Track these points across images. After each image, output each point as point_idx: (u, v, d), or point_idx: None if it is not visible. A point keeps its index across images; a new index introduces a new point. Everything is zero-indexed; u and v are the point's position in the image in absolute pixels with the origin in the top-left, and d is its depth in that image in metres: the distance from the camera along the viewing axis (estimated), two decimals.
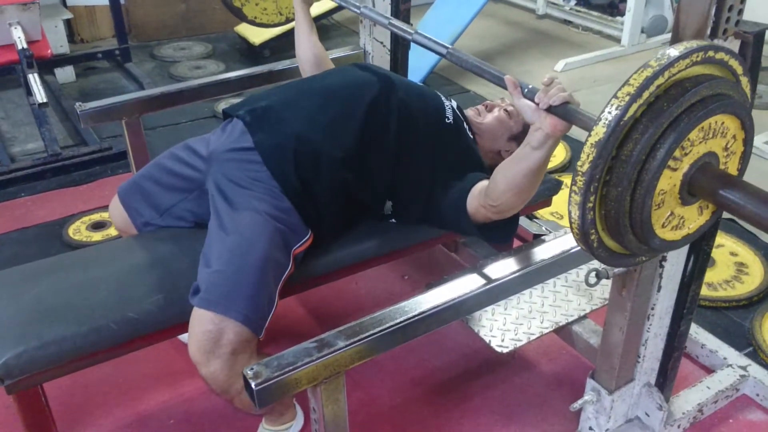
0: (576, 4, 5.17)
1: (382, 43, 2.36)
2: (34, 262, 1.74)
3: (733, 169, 1.12)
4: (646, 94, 0.96)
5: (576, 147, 3.22)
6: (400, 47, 2.30)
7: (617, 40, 4.69)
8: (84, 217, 2.76)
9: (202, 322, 1.47)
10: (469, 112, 1.90)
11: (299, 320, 2.25)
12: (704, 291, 2.29)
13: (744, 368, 1.96)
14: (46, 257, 1.78)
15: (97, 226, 2.70)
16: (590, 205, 1.01)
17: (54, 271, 1.67)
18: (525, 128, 1.66)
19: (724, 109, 1.02)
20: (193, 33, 4.87)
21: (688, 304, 1.58)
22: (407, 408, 1.94)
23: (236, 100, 1.95)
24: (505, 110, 1.89)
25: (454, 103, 1.87)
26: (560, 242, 1.63)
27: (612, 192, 1.01)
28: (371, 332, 1.31)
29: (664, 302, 1.56)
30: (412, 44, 2.30)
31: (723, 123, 1.04)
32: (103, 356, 1.55)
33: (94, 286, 1.61)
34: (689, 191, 1.07)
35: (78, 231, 2.68)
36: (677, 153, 1.00)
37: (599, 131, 0.96)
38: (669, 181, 1.04)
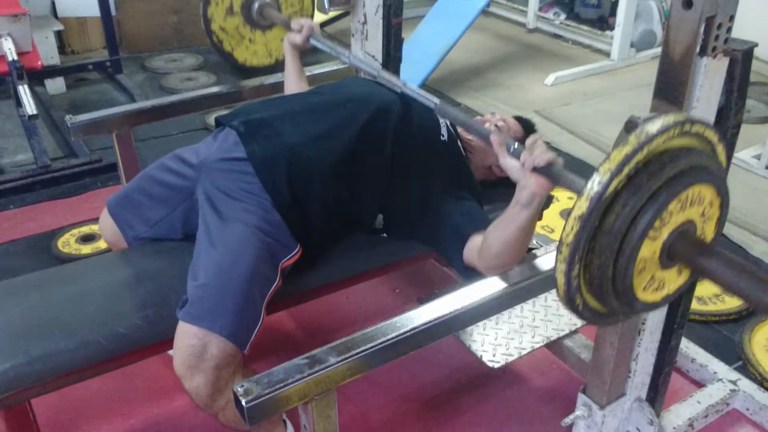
0: (566, 19, 5.20)
1: (373, 56, 2.36)
2: (22, 276, 1.73)
3: (710, 232, 1.17)
4: (626, 170, 1.00)
5: (567, 160, 3.22)
6: (391, 62, 2.31)
7: (607, 54, 4.72)
8: (73, 229, 2.74)
9: (186, 336, 1.46)
10: (461, 129, 1.91)
11: (290, 335, 2.24)
12: (694, 305, 2.30)
13: (734, 382, 1.96)
14: (34, 270, 1.77)
15: (87, 238, 2.69)
16: (575, 273, 1.05)
17: (42, 286, 1.66)
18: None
19: (701, 180, 1.07)
20: (184, 45, 4.87)
21: (679, 319, 1.59)
22: (399, 423, 1.93)
23: (229, 111, 1.95)
24: (496, 126, 1.89)
25: (448, 120, 1.88)
26: (551, 257, 1.63)
27: (596, 261, 1.05)
28: (363, 348, 1.30)
29: (654, 317, 1.56)
30: (403, 58, 2.33)
31: (700, 192, 1.09)
32: (91, 372, 1.54)
33: (82, 301, 1.59)
34: (668, 257, 1.11)
35: (67, 244, 2.66)
36: (656, 224, 1.04)
37: (582, 205, 1.01)
38: (649, 249, 1.08)
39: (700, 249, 1.09)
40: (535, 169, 1.32)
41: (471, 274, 1.62)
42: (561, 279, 1.06)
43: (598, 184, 1.00)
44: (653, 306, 1.17)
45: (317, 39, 2.09)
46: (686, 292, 1.39)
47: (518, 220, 1.41)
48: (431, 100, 1.64)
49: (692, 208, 1.10)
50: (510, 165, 1.38)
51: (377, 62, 2.32)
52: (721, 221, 1.17)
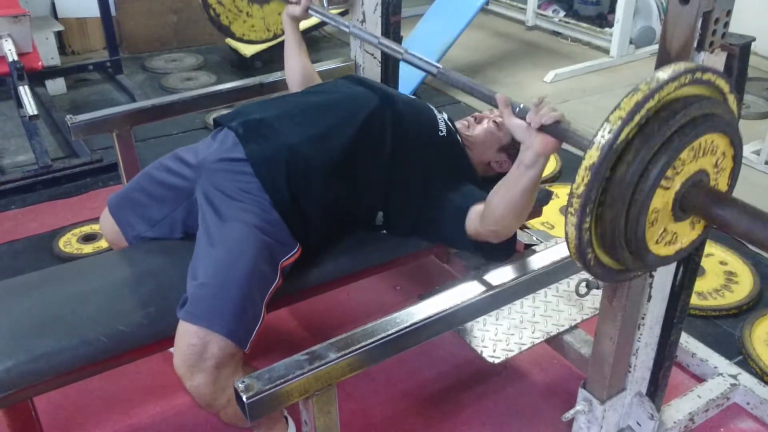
0: (565, 16, 5.21)
1: (372, 55, 2.37)
2: (24, 275, 1.74)
3: (723, 184, 1.15)
4: (637, 118, 0.98)
5: (566, 157, 3.23)
6: (390, 59, 2.32)
7: (606, 51, 4.72)
8: (75, 229, 2.75)
9: (186, 335, 1.47)
10: (459, 125, 1.91)
11: (291, 332, 2.24)
12: (694, 300, 2.31)
13: (734, 377, 1.97)
14: (36, 270, 1.77)
15: (88, 238, 2.70)
16: (586, 225, 1.03)
17: (44, 285, 1.67)
18: (514, 139, 1.68)
19: (714, 129, 1.05)
20: (184, 45, 4.88)
21: (678, 314, 1.59)
22: (399, 419, 1.94)
23: (228, 111, 1.96)
24: (494, 121, 1.90)
25: (446, 116, 1.88)
26: (551, 252, 1.64)
27: (607, 212, 1.03)
28: (363, 344, 1.31)
29: (654, 312, 1.57)
30: None
31: (713, 141, 1.07)
32: (93, 370, 1.54)
33: (84, 300, 1.60)
34: (681, 208, 1.09)
35: (68, 243, 2.67)
36: (669, 173, 1.03)
37: (593, 155, 0.99)
38: (662, 200, 1.06)
39: (715, 198, 1.07)
40: (542, 128, 1.30)
41: (478, 247, 1.62)
42: (572, 232, 1.04)
43: (609, 133, 0.98)
44: (666, 260, 1.15)
45: (316, 9, 2.08)
46: (698, 247, 1.34)
47: (522, 181, 1.40)
48: (433, 66, 1.62)
49: (705, 157, 1.07)
50: (515, 125, 1.36)
51: (377, 62, 2.33)
52: (734, 174, 1.15)
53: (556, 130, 1.29)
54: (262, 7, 2.36)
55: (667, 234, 1.12)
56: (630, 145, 1.00)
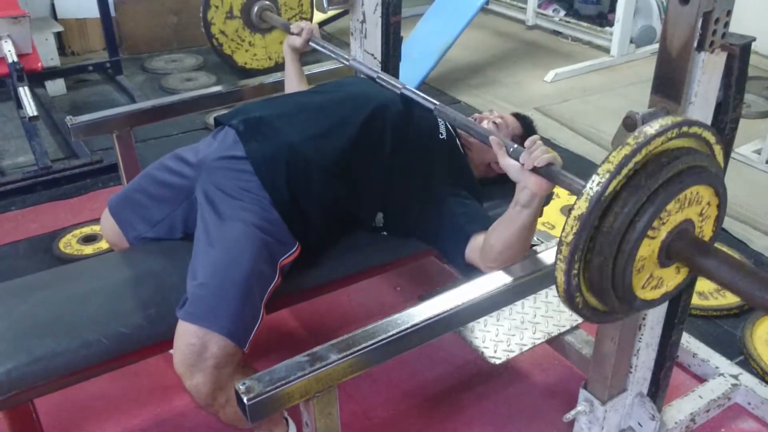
0: (565, 15, 5.21)
1: (372, 55, 2.36)
2: (25, 276, 1.74)
3: (708, 231, 1.18)
4: (624, 171, 1.01)
5: (567, 157, 3.23)
6: (390, 60, 2.31)
7: (606, 51, 4.72)
8: (75, 230, 2.75)
9: (186, 335, 1.47)
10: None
11: (291, 333, 2.24)
12: (695, 300, 2.30)
13: (735, 377, 1.96)
14: (36, 271, 1.77)
15: (88, 239, 2.69)
16: (575, 271, 1.06)
17: (44, 286, 1.67)
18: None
19: (699, 181, 1.08)
20: (184, 45, 4.87)
21: (679, 314, 1.59)
22: (400, 420, 1.94)
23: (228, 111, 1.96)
24: (494, 123, 1.90)
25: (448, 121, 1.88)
26: (552, 253, 1.63)
27: (595, 260, 1.07)
28: (364, 345, 1.31)
29: (655, 312, 1.56)
30: (402, 56, 2.33)
31: (698, 192, 1.11)
32: (94, 371, 1.54)
33: (84, 301, 1.60)
34: (667, 256, 1.12)
35: (69, 244, 2.67)
36: (655, 223, 1.06)
37: (582, 205, 1.02)
38: (648, 248, 1.09)
39: (698, 248, 1.10)
40: (535, 170, 1.34)
41: (471, 271, 1.62)
42: (561, 278, 1.08)
43: (597, 185, 1.02)
44: (652, 303, 1.19)
45: (317, 42, 2.10)
46: (685, 289, 1.40)
47: (519, 220, 1.43)
48: (431, 102, 1.66)
49: (690, 207, 1.11)
50: (509, 165, 1.40)
51: (377, 63, 2.33)
52: (719, 220, 1.19)
53: (548, 172, 1.34)
54: (264, 37, 2.37)
55: (653, 279, 1.16)
56: (618, 197, 1.03)
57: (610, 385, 1.61)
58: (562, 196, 2.91)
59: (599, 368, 1.61)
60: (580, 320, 1.93)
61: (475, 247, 1.59)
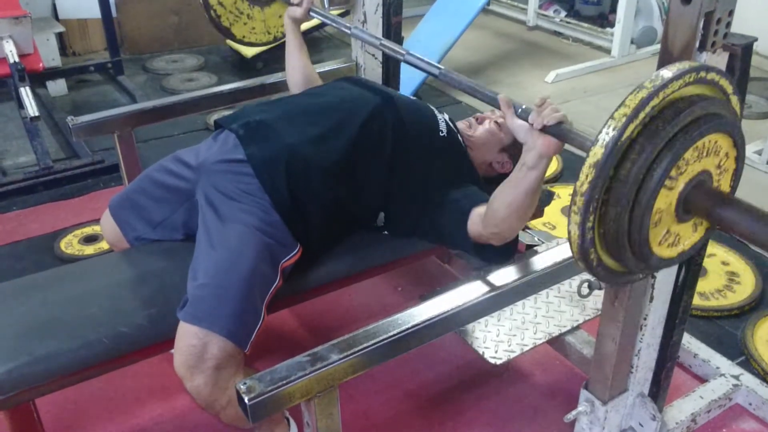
0: (566, 16, 5.21)
1: (373, 56, 2.37)
2: (26, 276, 1.74)
3: (726, 185, 1.15)
4: (642, 115, 0.98)
5: (567, 157, 3.23)
6: (392, 60, 2.32)
7: (607, 51, 4.72)
8: (76, 230, 2.75)
9: (186, 336, 1.47)
10: (461, 125, 1.91)
11: (293, 333, 2.24)
12: (696, 301, 2.30)
13: (737, 377, 1.96)
14: (37, 271, 1.77)
15: (90, 239, 2.69)
16: (590, 224, 1.02)
17: (45, 286, 1.67)
18: (515, 139, 1.69)
19: (717, 129, 1.04)
20: (185, 45, 4.88)
21: (681, 314, 1.59)
22: (401, 420, 1.94)
23: (229, 113, 1.96)
24: (496, 122, 1.90)
25: (446, 116, 1.88)
26: (553, 253, 1.64)
27: (611, 211, 1.03)
28: (365, 345, 1.31)
29: (656, 312, 1.56)
30: None
31: (716, 142, 1.07)
32: (95, 371, 1.54)
33: (85, 301, 1.60)
34: (685, 209, 1.09)
35: (70, 244, 2.67)
36: (673, 173, 1.02)
37: (597, 152, 0.98)
38: (665, 200, 1.06)
39: (718, 199, 1.06)
40: (544, 129, 1.30)
41: (478, 250, 1.62)
42: (575, 231, 1.03)
43: (613, 129, 0.97)
44: (669, 262, 1.14)
45: (317, 11, 2.08)
46: (702, 248, 1.35)
47: (525, 182, 1.40)
48: (435, 67, 1.62)
49: (708, 158, 1.07)
50: (517, 126, 1.36)
51: (378, 63, 2.33)
52: (737, 175, 1.14)
53: (558, 131, 1.28)
54: (263, 10, 2.36)
55: (670, 235, 1.11)
56: (634, 143, 0.99)
57: (611, 386, 1.61)
58: (563, 197, 2.91)
59: (600, 368, 1.61)
60: (581, 320, 1.93)
61: (477, 218, 1.58)
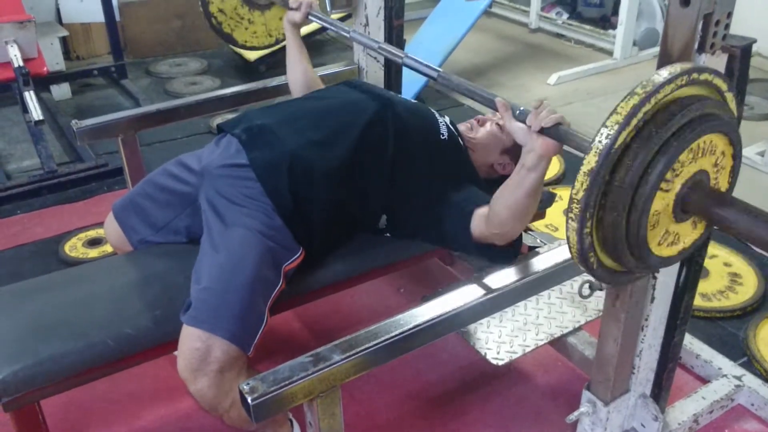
0: (568, 18, 5.21)
1: (375, 59, 2.37)
2: (30, 279, 1.75)
3: (723, 183, 1.15)
4: (634, 121, 0.98)
5: (569, 158, 3.23)
6: (393, 63, 2.32)
7: (609, 53, 4.72)
8: (80, 233, 2.77)
9: (190, 339, 1.48)
10: (462, 127, 1.92)
11: (295, 335, 2.25)
12: (698, 301, 2.30)
13: (739, 378, 1.97)
14: (42, 274, 1.78)
15: (94, 242, 2.71)
16: (587, 230, 1.03)
17: (50, 288, 1.68)
18: (514, 144, 1.70)
19: (712, 129, 1.05)
20: (188, 49, 4.90)
21: (682, 315, 1.59)
22: (403, 421, 1.94)
23: (232, 116, 1.97)
24: (497, 124, 1.90)
25: (447, 119, 1.89)
26: (554, 254, 1.65)
27: (608, 216, 1.03)
28: (367, 346, 1.32)
29: (657, 313, 1.57)
30: None
31: (711, 141, 1.07)
32: (99, 373, 1.55)
33: (90, 303, 1.61)
34: (682, 210, 1.09)
35: (74, 248, 2.68)
36: (668, 175, 1.02)
37: (591, 160, 0.99)
38: (662, 202, 1.06)
39: (715, 199, 1.07)
40: (542, 131, 1.31)
41: (482, 251, 1.62)
42: (573, 237, 1.04)
43: (606, 137, 0.98)
44: (669, 261, 1.15)
45: (316, 15, 2.09)
46: (702, 246, 1.35)
47: (525, 184, 1.41)
48: (433, 70, 1.63)
49: (704, 158, 1.07)
50: (516, 128, 1.37)
51: (380, 66, 2.34)
52: (734, 171, 1.14)
53: (556, 132, 1.30)
54: (263, 13, 2.37)
55: (669, 235, 1.12)
56: (628, 149, 1.00)
57: (612, 386, 1.61)
58: (565, 198, 2.92)
59: (602, 369, 1.61)
60: (582, 321, 1.93)
61: (479, 219, 1.58)
